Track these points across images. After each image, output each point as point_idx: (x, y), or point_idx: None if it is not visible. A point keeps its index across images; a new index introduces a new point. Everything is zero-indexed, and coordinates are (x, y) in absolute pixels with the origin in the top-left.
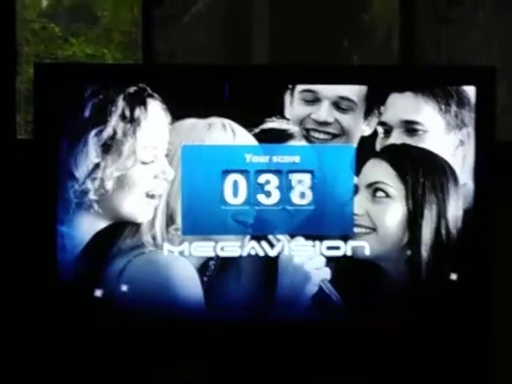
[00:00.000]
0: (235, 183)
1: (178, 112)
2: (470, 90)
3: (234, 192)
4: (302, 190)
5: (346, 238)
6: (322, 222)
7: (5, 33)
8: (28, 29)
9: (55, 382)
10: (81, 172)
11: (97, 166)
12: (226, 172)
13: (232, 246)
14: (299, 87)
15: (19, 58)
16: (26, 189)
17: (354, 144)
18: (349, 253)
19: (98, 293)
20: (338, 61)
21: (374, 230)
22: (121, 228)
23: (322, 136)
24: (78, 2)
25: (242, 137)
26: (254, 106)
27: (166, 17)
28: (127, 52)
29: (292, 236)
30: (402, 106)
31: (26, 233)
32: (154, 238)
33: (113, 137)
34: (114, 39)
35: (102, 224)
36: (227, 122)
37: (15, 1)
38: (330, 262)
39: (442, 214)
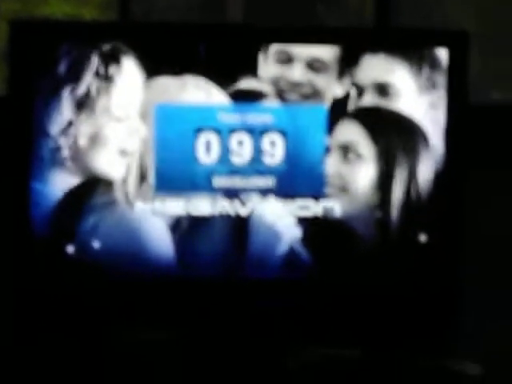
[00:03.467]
0: (208, 142)
1: (152, 70)
2: (443, 53)
3: (207, 151)
4: (273, 150)
5: (317, 198)
6: (294, 181)
7: None
8: None
9: (26, 339)
10: (54, 129)
11: (70, 122)
12: (199, 130)
13: (203, 205)
14: (273, 47)
15: None
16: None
17: (327, 105)
18: (320, 213)
19: (70, 249)
20: (312, 23)
21: (344, 190)
22: (93, 185)
23: (294, 96)
24: None
25: (216, 96)
26: (228, 65)
27: None
28: (106, 12)
29: (263, 195)
30: (374, 67)
31: (3, 189)
32: (126, 195)
33: (87, 94)
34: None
35: (74, 181)
36: (201, 80)
37: None
38: (301, 221)
39: (412, 176)
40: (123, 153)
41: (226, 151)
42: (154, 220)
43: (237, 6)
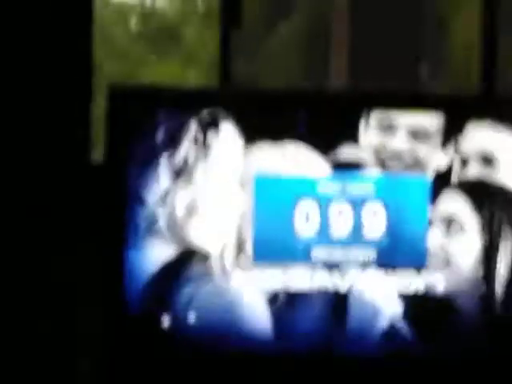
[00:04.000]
0: (307, 212)
1: (251, 137)
2: None
3: (306, 221)
4: (374, 221)
5: (419, 272)
6: (395, 255)
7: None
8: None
9: None
10: (151, 197)
11: (167, 191)
12: (299, 201)
13: (302, 277)
14: (375, 114)
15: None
16: (98, 215)
17: (430, 175)
18: (422, 287)
19: (166, 321)
20: (415, 83)
21: (447, 263)
22: (190, 255)
23: (396, 166)
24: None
25: (316, 165)
26: (328, 132)
27: (247, 39)
28: (210, 74)
29: (363, 269)
30: (479, 136)
31: (97, 258)
32: (223, 267)
33: (185, 162)
34: (199, 60)
35: (171, 251)
36: (301, 147)
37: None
38: (403, 296)
39: None
40: (220, 223)
41: (325, 222)
42: (251, 293)
43: (341, 70)
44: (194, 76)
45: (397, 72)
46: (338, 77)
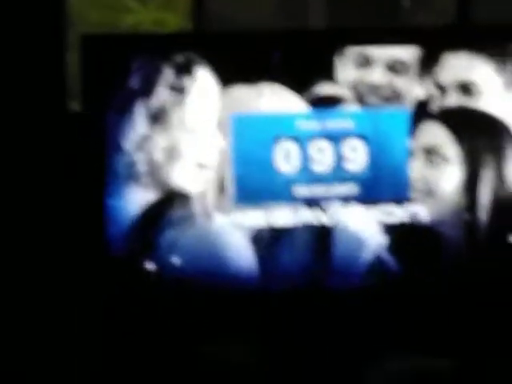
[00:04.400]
0: (287, 151)
1: (226, 79)
2: None
3: (286, 160)
4: (355, 156)
5: (401, 204)
6: (377, 187)
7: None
8: None
9: (108, 357)
10: (129, 144)
11: (145, 137)
12: (278, 139)
13: (284, 215)
14: (350, 50)
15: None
16: (77, 162)
17: (409, 107)
18: (405, 218)
19: (150, 265)
20: (398, 22)
21: (430, 194)
22: (171, 199)
23: (375, 100)
24: None
25: (293, 102)
26: (304, 70)
27: None
28: (190, 18)
29: (346, 204)
30: (456, 66)
31: (77, 206)
32: (205, 209)
33: (161, 107)
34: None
35: (151, 196)
36: (277, 87)
37: None
38: (386, 228)
39: (500, 176)
40: (200, 166)
41: (305, 159)
42: (234, 233)
43: (319, 11)
44: (174, 22)
45: (378, 9)
46: (316, 19)
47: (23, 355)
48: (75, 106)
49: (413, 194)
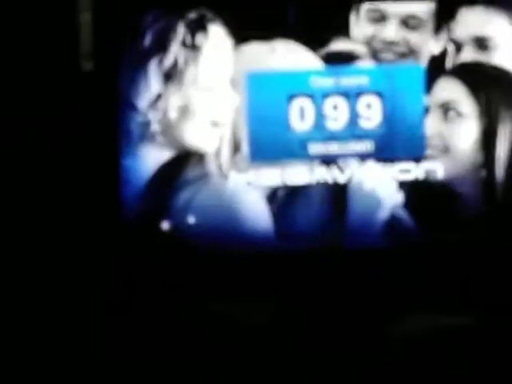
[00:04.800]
0: (301, 108)
1: (240, 36)
2: None
3: (301, 117)
4: (370, 113)
5: (417, 161)
6: (393, 145)
7: None
8: None
9: (122, 318)
10: (143, 103)
11: (159, 95)
12: (292, 97)
13: (300, 173)
14: (365, 6)
15: None
16: (90, 122)
17: (424, 63)
18: (421, 176)
19: (165, 225)
20: None
21: (446, 151)
22: (185, 158)
23: (390, 56)
24: None
25: (307, 60)
26: (318, 27)
27: None
28: None
29: (362, 161)
30: (472, 20)
31: (90, 167)
32: (219, 168)
33: (174, 65)
34: None
35: (166, 155)
36: (291, 44)
37: None
38: (402, 186)
39: None
40: (215, 124)
41: (320, 117)
42: (249, 192)
43: None
44: None
45: None
46: None
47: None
48: (89, 65)
49: (429, 151)
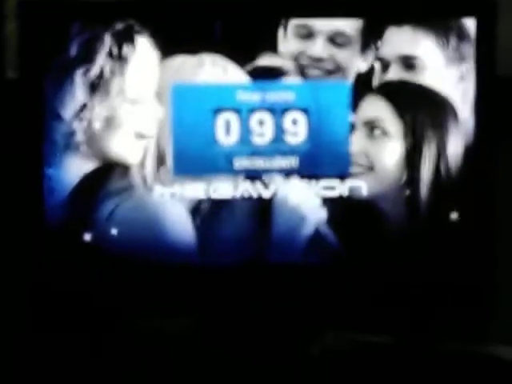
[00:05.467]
0: (227, 122)
1: (167, 49)
2: (470, 23)
3: (226, 131)
4: (296, 129)
5: (342, 178)
6: (318, 161)
7: None
8: None
9: (43, 329)
10: (67, 112)
11: (84, 105)
12: (218, 111)
13: (224, 187)
14: (293, 22)
15: None
16: (13, 131)
17: (350, 80)
18: (345, 193)
19: (87, 237)
20: None
21: (371, 168)
22: (109, 170)
23: (316, 72)
24: None
25: (234, 74)
26: (245, 41)
27: None
28: None
29: (287, 176)
30: (399, 40)
31: (13, 175)
32: (144, 180)
33: (100, 75)
34: None
35: (90, 166)
36: (218, 58)
37: None
38: (326, 202)
39: (441, 152)
40: (140, 136)
41: (246, 131)
42: (173, 204)
43: None
44: None
45: None
46: None
47: None
48: (13, 74)
49: (353, 169)
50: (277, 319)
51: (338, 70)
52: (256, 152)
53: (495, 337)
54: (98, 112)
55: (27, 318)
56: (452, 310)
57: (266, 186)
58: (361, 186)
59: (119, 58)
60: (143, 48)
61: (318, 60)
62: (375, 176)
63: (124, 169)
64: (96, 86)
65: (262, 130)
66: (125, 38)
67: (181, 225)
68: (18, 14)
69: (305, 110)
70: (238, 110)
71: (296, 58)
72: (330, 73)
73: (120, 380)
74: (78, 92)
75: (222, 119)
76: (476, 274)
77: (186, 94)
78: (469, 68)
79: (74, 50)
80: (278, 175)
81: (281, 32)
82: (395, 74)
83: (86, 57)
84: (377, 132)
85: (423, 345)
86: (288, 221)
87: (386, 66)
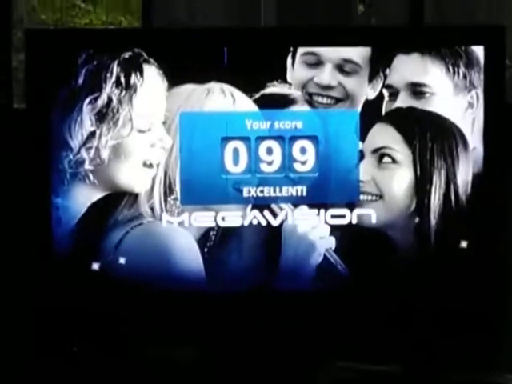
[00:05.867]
0: (235, 151)
1: (175, 78)
2: (479, 51)
3: (235, 160)
4: (304, 157)
5: (351, 206)
6: (327, 189)
7: None
8: None
9: (51, 357)
10: (75, 141)
11: (92, 134)
12: (226, 139)
13: (233, 216)
14: (301, 50)
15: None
16: (21, 159)
17: (359, 108)
18: (354, 221)
19: (95, 266)
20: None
21: (380, 197)
22: (117, 199)
23: (325, 100)
24: None
25: (242, 102)
26: (254, 70)
27: None
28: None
29: (295, 205)
30: (408, 67)
31: (21, 205)
32: (152, 209)
33: (108, 104)
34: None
35: (97, 195)
36: (226, 87)
37: None
38: (335, 230)
39: (451, 180)
40: (147, 164)
41: (254, 160)
42: (181, 233)
43: (270, 9)
44: (128, 22)
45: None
46: (268, 18)
47: None
48: (21, 103)
49: (362, 197)
50: (285, 347)
51: (346, 97)
52: (264, 180)
53: (504, 366)
54: (106, 141)
55: (36, 346)
56: (461, 338)
57: (274, 214)
58: (370, 214)
59: (127, 87)
60: (151, 76)
61: (327, 88)
62: (384, 204)
63: (132, 198)
64: (103, 115)
65: (271, 158)
66: (132, 66)
67: (189, 253)
68: (25, 42)
69: (313, 138)
70: (246, 139)
71: (304, 86)
72: (338, 101)
73: None
74: (86, 121)
75: (230, 148)
76: (485, 302)
77: (193, 122)
78: (477, 95)
79: (81, 79)
80: (286, 203)
81: (289, 60)
82: (404, 101)
83: (94, 85)
84: (385, 160)
85: (432, 374)
86: (296, 249)
87: (394, 93)
